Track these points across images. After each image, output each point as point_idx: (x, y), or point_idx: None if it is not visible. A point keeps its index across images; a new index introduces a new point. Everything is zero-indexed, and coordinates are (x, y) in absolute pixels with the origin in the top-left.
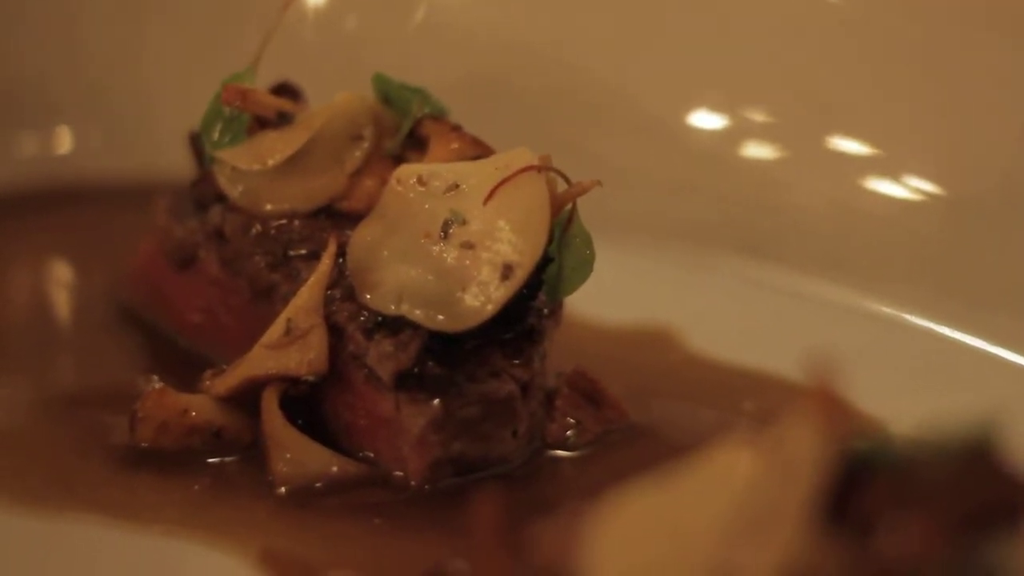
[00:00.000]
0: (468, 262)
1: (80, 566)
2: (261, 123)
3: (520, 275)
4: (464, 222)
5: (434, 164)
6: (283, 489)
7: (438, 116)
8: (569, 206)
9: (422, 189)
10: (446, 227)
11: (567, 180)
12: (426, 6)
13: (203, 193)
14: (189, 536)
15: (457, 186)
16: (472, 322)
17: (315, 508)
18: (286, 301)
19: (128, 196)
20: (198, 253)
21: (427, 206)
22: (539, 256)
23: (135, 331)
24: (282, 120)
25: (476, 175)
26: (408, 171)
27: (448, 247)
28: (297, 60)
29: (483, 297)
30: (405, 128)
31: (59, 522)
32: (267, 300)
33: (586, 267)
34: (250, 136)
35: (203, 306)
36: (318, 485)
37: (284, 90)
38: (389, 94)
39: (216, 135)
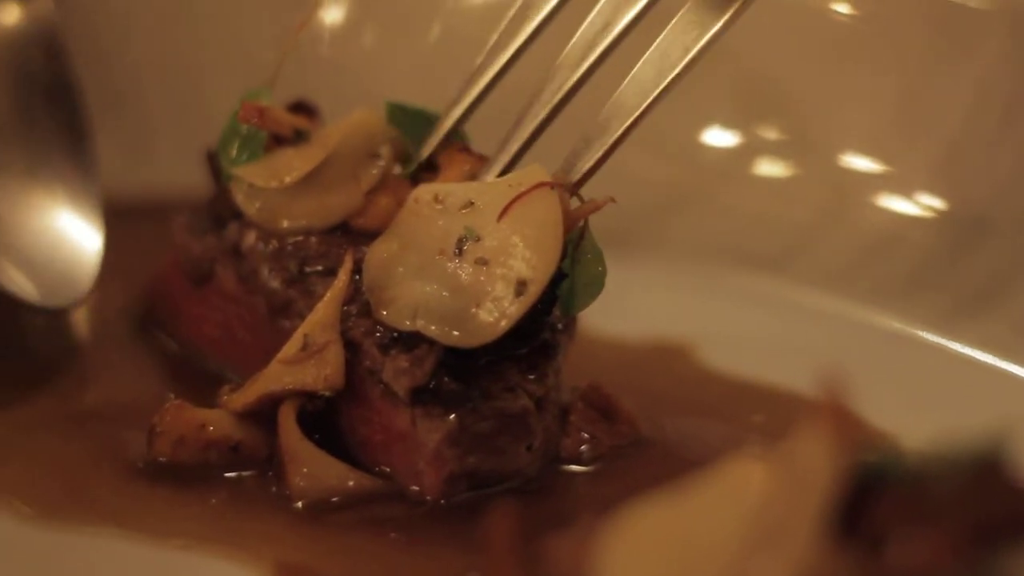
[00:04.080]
0: (482, 278)
1: None
2: (278, 140)
3: (534, 291)
4: (478, 239)
5: (450, 184)
6: (300, 503)
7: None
8: (581, 223)
9: (439, 207)
10: (460, 244)
11: (580, 197)
12: (442, 23)
13: (220, 210)
14: (207, 550)
15: (472, 203)
16: (487, 338)
17: (331, 522)
18: (302, 317)
19: (147, 214)
20: (215, 269)
21: (442, 224)
22: (553, 272)
23: (154, 347)
24: (299, 138)
25: (490, 193)
26: (426, 190)
27: (462, 264)
28: (314, 78)
29: (497, 313)
30: (422, 155)
31: (79, 535)
32: (283, 316)
33: (598, 283)
34: (267, 153)
35: (220, 322)
36: (335, 499)
37: (300, 108)
38: (402, 123)
39: (234, 152)
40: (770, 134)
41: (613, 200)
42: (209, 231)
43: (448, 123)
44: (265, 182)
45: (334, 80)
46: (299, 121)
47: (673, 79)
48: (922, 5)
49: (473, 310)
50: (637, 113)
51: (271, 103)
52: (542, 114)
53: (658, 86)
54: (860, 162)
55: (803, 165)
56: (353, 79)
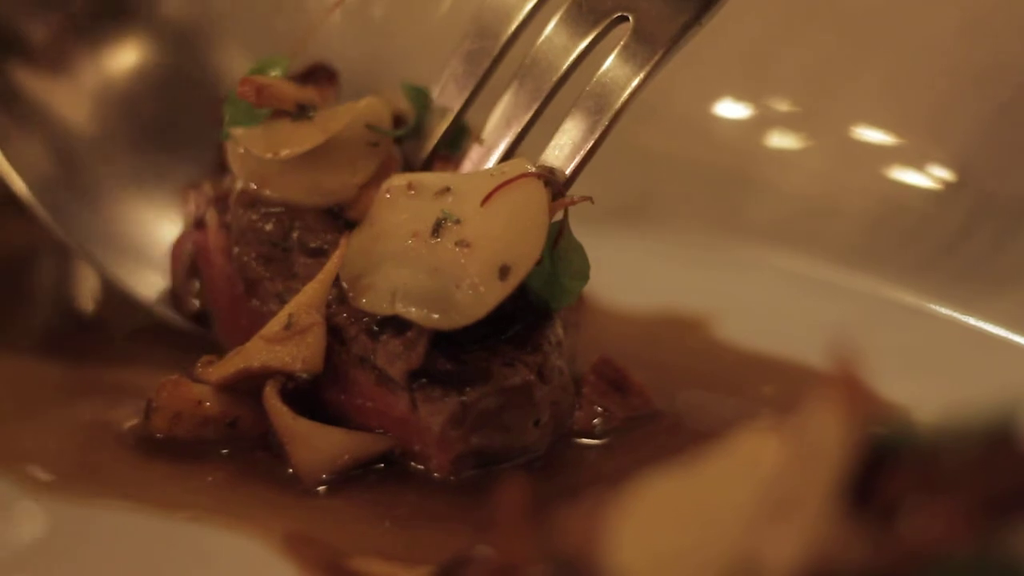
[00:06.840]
0: (463, 260)
1: (108, 550)
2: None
3: (516, 277)
4: (458, 221)
5: (424, 173)
6: (308, 479)
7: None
8: (560, 217)
9: (411, 193)
10: (438, 226)
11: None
12: None
13: (223, 158)
14: (215, 521)
15: (448, 189)
16: (467, 320)
17: (339, 496)
18: (279, 298)
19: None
20: (206, 217)
21: (415, 208)
22: (536, 258)
23: (159, 321)
24: (302, 113)
25: (471, 181)
26: (399, 178)
27: (442, 245)
28: (323, 47)
29: (478, 296)
30: (427, 148)
31: (87, 507)
32: (255, 294)
33: (582, 277)
34: (269, 121)
35: (215, 288)
36: (344, 467)
37: (319, 72)
38: (417, 105)
39: (236, 111)
40: (782, 106)
41: (590, 199)
42: (210, 178)
43: (450, 117)
44: (260, 151)
45: (343, 50)
46: (306, 94)
47: (658, 61)
48: None
49: (453, 292)
50: (625, 97)
51: (287, 72)
52: (531, 110)
53: (642, 70)
54: (873, 134)
55: (816, 137)
56: (362, 49)
